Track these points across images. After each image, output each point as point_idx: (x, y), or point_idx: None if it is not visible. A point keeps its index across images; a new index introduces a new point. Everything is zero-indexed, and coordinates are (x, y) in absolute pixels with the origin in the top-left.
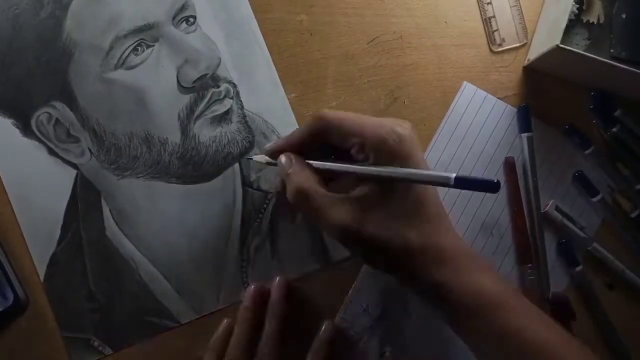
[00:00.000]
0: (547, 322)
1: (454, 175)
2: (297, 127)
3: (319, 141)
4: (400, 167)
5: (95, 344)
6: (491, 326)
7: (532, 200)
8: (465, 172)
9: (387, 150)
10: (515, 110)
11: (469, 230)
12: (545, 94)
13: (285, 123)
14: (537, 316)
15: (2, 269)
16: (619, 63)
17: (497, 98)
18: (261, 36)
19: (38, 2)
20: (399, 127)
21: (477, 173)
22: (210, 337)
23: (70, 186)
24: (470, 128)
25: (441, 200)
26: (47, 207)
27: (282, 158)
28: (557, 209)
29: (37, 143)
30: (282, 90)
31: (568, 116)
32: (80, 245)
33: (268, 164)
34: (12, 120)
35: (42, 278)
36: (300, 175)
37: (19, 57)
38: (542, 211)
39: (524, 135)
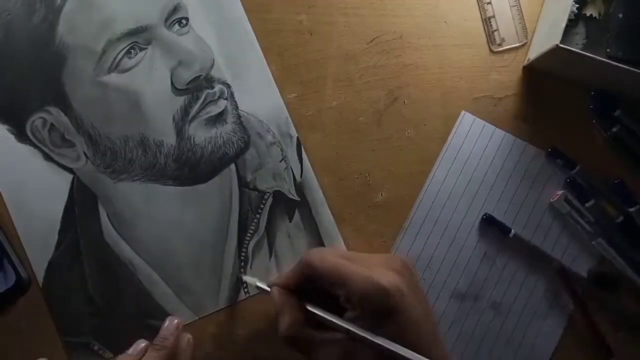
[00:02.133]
0: None
1: None
2: (292, 126)
3: (309, 283)
4: (386, 322)
5: (95, 347)
6: None
7: None
8: (466, 204)
9: (373, 308)
10: (513, 139)
11: (472, 258)
12: (545, 93)
13: (279, 122)
14: None
15: (2, 249)
16: (615, 62)
17: (495, 127)
18: (254, 36)
19: (30, 7)
20: (390, 277)
21: (479, 202)
22: (210, 338)
23: (67, 191)
24: (470, 157)
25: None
26: (44, 213)
27: (274, 292)
28: (567, 200)
29: (32, 148)
30: (277, 89)
31: (568, 116)
32: (78, 250)
33: (257, 287)
34: (6, 126)
35: (40, 283)
36: (286, 318)
37: (12, 62)
38: (550, 200)
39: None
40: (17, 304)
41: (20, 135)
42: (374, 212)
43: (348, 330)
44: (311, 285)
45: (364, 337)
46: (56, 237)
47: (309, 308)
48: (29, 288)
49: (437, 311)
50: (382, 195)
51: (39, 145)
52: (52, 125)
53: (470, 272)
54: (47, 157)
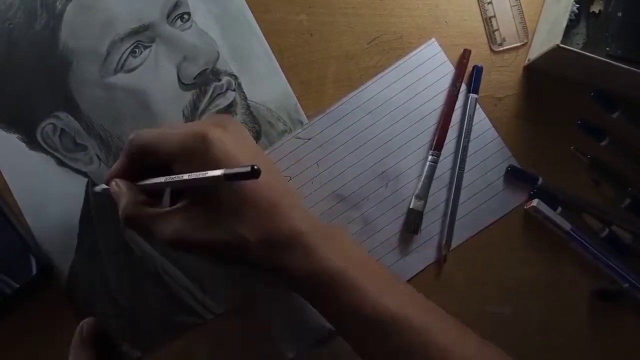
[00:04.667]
0: (399, 290)
1: (222, 172)
2: (302, 112)
3: (143, 163)
4: (205, 161)
5: (124, 348)
6: (335, 305)
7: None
8: (391, 120)
9: (190, 155)
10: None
11: (365, 173)
12: (546, 93)
13: (289, 109)
14: (386, 286)
15: (22, 240)
16: (615, 61)
17: (454, 68)
18: (257, 25)
19: (31, 15)
20: (201, 125)
21: (404, 125)
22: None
23: (83, 194)
24: (419, 81)
25: (284, 186)
26: (62, 218)
27: (111, 185)
28: (538, 211)
29: (45, 155)
30: (284, 77)
31: (568, 116)
32: (98, 252)
33: (99, 193)
34: (17, 135)
35: (63, 289)
36: (123, 200)
37: (17, 71)
38: (524, 208)
39: (472, 95)
40: (37, 300)
41: (32, 142)
42: None
43: (171, 183)
44: (149, 169)
45: (180, 180)
46: (75, 241)
47: (140, 183)
48: (52, 275)
49: (309, 202)
50: None
51: (51, 151)
52: (62, 130)
53: (361, 181)
54: (60, 163)
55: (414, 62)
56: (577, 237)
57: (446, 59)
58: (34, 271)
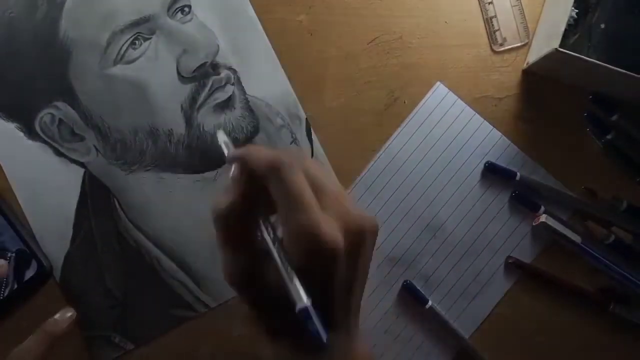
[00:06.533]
0: None
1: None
2: (300, 107)
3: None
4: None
5: (116, 340)
6: None
7: None
8: (420, 173)
9: (303, 259)
10: (481, 121)
11: (411, 230)
12: (545, 94)
13: (288, 105)
14: None
15: (22, 239)
16: (616, 67)
17: (466, 104)
18: (258, 21)
19: (32, 4)
20: (338, 235)
21: (433, 174)
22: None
23: (79, 185)
24: (435, 129)
25: None
26: (58, 208)
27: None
28: (547, 226)
29: (42, 145)
30: (283, 72)
31: (568, 119)
32: (93, 243)
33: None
34: (15, 124)
35: (57, 279)
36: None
37: (17, 60)
38: (533, 224)
39: None
40: (35, 300)
41: (30, 132)
42: None
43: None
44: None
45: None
46: (71, 231)
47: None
48: (50, 276)
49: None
50: None
51: (49, 141)
52: (60, 120)
53: (409, 239)
54: (58, 153)
55: (425, 112)
56: (588, 249)
57: (456, 98)
58: (34, 271)
